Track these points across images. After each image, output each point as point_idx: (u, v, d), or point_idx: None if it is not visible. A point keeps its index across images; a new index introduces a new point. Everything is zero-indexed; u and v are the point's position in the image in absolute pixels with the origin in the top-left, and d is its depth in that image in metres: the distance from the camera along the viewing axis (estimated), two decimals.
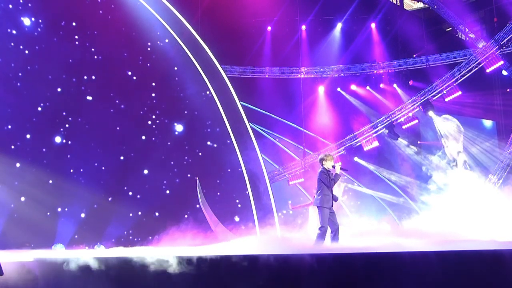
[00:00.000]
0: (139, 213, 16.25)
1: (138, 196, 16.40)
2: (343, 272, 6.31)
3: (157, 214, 16.40)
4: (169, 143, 17.35)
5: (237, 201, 17.87)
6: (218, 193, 17.66)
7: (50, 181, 15.20)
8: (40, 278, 7.79)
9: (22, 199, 14.55)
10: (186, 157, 17.53)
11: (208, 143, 18.04)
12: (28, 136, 15.33)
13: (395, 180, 22.93)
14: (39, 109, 15.67)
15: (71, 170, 15.63)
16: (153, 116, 17.42)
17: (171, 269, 6.98)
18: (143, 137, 17.08)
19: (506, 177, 20.62)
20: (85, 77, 16.57)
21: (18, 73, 15.41)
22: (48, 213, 14.96)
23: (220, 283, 6.72)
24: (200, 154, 17.76)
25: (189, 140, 17.76)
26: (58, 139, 15.87)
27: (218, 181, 17.82)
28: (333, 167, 9.42)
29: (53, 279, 7.74)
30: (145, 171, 16.76)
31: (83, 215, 15.45)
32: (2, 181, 14.36)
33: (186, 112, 17.85)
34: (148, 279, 7.11)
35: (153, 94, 17.54)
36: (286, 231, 16.24)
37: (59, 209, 15.16)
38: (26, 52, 15.65)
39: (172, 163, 17.21)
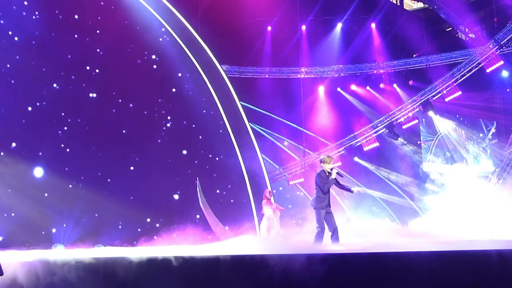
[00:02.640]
0: (148, 219, 15.96)
1: (143, 203, 16.00)
2: (343, 272, 6.31)
3: (161, 220, 16.20)
4: (179, 144, 17.16)
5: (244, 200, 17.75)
6: (232, 200, 17.60)
7: (46, 194, 14.54)
8: (40, 278, 7.79)
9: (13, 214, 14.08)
10: (207, 165, 17.41)
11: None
12: (23, 138, 14.62)
13: (395, 179, 22.95)
14: (29, 108, 14.89)
15: (71, 184, 15.07)
16: (168, 117, 17.15)
17: (171, 269, 6.99)
18: (159, 141, 16.85)
19: (506, 177, 20.62)
20: (87, 72, 15.96)
21: (13, 70, 14.60)
22: (43, 233, 14.45)
23: (219, 283, 6.72)
24: (210, 156, 17.64)
25: (200, 142, 17.59)
26: (57, 139, 15.22)
27: (229, 186, 17.72)
28: (331, 170, 9.37)
29: (53, 279, 7.74)
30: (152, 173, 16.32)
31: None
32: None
33: (205, 111, 17.70)
34: (148, 279, 7.11)
35: (173, 90, 17.16)
36: (286, 231, 16.23)
37: (54, 230, 14.56)
38: (16, 38, 14.72)
39: (180, 166, 17.04)
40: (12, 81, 14.75)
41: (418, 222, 16.72)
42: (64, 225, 14.65)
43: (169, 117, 17.49)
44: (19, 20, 14.97)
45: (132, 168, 16.34)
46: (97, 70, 16.35)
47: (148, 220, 16.14)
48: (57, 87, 15.56)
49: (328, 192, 9.32)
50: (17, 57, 14.83)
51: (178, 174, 17.10)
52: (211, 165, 17.69)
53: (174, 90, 17.68)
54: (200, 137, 17.75)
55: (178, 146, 17.37)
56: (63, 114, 15.63)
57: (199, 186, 16.79)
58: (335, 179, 9.33)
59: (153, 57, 17.51)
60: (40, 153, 14.98)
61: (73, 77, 15.88)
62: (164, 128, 17.39)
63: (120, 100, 16.63)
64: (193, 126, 17.74)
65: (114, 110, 16.44)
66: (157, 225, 15.93)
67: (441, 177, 20.79)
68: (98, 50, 16.35)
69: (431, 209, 17.78)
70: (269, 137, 22.11)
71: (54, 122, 15.45)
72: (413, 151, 24.05)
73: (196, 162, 17.49)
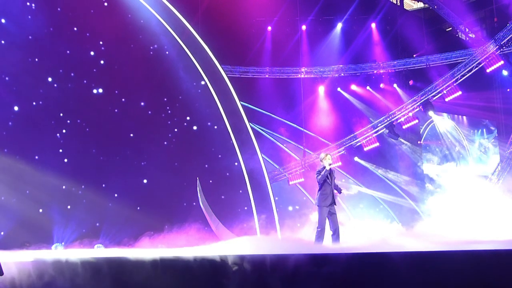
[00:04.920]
0: (148, 219, 15.66)
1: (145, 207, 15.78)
2: (343, 272, 6.31)
3: (166, 226, 15.78)
4: (186, 146, 16.96)
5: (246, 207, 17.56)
6: (232, 200, 17.43)
7: (40, 210, 14.09)
8: (40, 278, 7.79)
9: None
10: (206, 165, 17.23)
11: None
12: (19, 139, 14.15)
13: (395, 179, 22.95)
14: (26, 109, 14.32)
15: (71, 189, 14.66)
16: (177, 119, 16.84)
17: (170, 269, 6.99)
18: (165, 143, 16.59)
19: (506, 177, 20.60)
20: (87, 69, 15.47)
21: (8, 66, 14.07)
22: (43, 233, 14.14)
23: (219, 283, 6.72)
24: (212, 156, 17.43)
25: (208, 142, 17.43)
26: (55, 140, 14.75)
27: (240, 191, 17.56)
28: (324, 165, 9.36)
29: (53, 279, 7.74)
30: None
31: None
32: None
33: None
34: (147, 279, 7.11)
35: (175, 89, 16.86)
36: (286, 231, 16.25)
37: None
38: (3, 21, 14.10)
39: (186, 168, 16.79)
40: (7, 78, 14.29)
41: (418, 222, 16.73)
42: (63, 243, 14.39)
43: (187, 118, 17.33)
44: (11, 10, 14.33)
45: (140, 177, 16.10)
46: (101, 61, 15.78)
47: (148, 220, 16.04)
48: (55, 85, 15.04)
49: (331, 190, 9.29)
50: (12, 52, 14.28)
51: (182, 176, 16.94)
52: (211, 165, 17.64)
53: (175, 89, 17.41)
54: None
55: (184, 148, 17.19)
56: (61, 114, 15.28)
57: (199, 185, 16.77)
58: (328, 170, 9.27)
59: (159, 53, 17.19)
60: (37, 157, 14.56)
61: (72, 74, 15.42)
62: (175, 130, 17.13)
63: (123, 99, 16.32)
64: (196, 127, 17.61)
65: (116, 110, 16.18)
66: (157, 225, 15.84)
67: (440, 177, 20.76)
68: (101, 42, 15.83)
69: (431, 209, 17.78)
70: (269, 137, 22.11)
71: (53, 123, 15.10)
72: (413, 151, 24.04)
73: (198, 162, 17.38)
